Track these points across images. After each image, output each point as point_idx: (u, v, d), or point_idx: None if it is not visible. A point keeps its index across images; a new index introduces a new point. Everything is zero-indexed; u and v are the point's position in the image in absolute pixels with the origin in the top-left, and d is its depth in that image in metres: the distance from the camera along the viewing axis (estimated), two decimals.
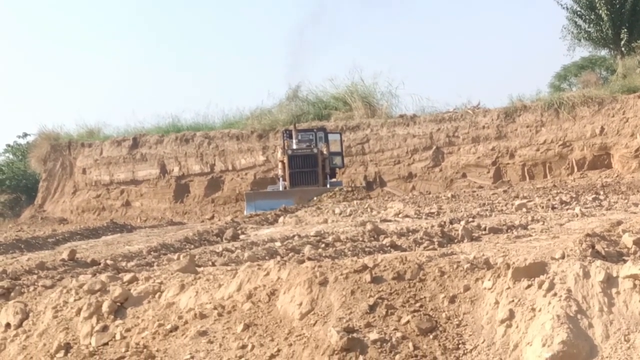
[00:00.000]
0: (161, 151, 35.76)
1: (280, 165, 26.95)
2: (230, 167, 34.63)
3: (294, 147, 26.38)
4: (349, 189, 24.55)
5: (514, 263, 5.91)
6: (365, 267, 6.24)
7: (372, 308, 5.84)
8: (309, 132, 28.23)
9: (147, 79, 70.35)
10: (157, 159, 35.68)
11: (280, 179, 26.70)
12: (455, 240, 10.47)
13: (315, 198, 23.32)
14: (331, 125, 32.53)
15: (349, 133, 33.12)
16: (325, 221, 15.21)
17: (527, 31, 65.69)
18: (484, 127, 31.95)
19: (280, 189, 26.00)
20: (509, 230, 11.12)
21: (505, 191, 21.67)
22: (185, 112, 46.77)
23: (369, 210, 16.86)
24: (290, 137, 27.12)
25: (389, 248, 10.03)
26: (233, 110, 38.60)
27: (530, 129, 31.17)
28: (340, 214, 16.30)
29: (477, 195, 20.74)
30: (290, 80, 43.98)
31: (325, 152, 26.74)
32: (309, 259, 8.76)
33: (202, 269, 7.88)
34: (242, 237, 13.35)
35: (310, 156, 26.00)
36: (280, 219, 16.68)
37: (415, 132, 32.68)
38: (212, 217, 26.57)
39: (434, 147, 32.28)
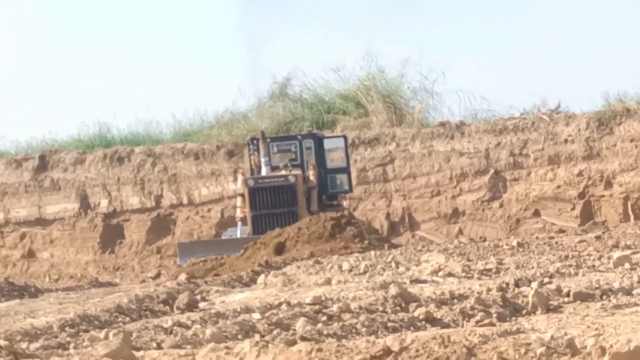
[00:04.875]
0: (82, 176, 35.83)
1: (239, 200, 26.61)
2: (185, 200, 34.66)
3: (262, 169, 25.96)
4: (350, 227, 23.08)
5: (612, 346, 5.91)
6: (387, 352, 6.24)
7: None
8: (289, 140, 27.95)
9: (60, 70, 70.41)
10: (76, 188, 35.74)
11: (239, 222, 26.27)
12: (524, 312, 10.45)
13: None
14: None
15: (363, 149, 33.21)
16: (328, 281, 15.18)
17: (630, 2, 65.74)
18: (566, 140, 32.02)
19: (238, 236, 25.61)
20: (604, 297, 11.10)
21: (598, 237, 21.64)
22: (118, 117, 46.81)
23: (393, 265, 16.84)
24: (259, 150, 26.52)
25: (423, 323, 10.01)
26: (189, 115, 38.45)
27: (637, 144, 31.23)
28: (350, 270, 16.28)
29: (557, 243, 20.72)
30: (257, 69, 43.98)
31: (312, 178, 26.20)
32: (304, 338, 8.73)
33: (142, 353, 7.87)
34: (202, 305, 13.33)
35: (283, 188, 25.51)
36: (260, 279, 16.66)
37: (464, 149, 32.75)
38: (158, 276, 26.57)
39: (492, 171, 32.34)
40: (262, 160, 26.04)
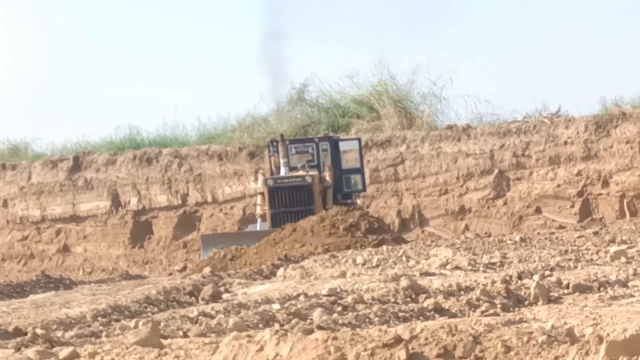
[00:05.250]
0: (113, 176, 35.88)
1: (259, 198, 26.56)
2: (209, 198, 34.69)
3: (280, 170, 25.96)
4: (361, 220, 22.90)
5: (608, 335, 5.88)
6: (398, 340, 6.23)
7: None
8: (307, 143, 27.80)
9: (93, 77, 70.54)
10: (108, 187, 35.80)
11: (259, 218, 26.28)
12: (526, 303, 10.43)
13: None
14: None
15: (376, 150, 33.18)
16: (343, 274, 15.18)
17: (627, 11, 65.49)
18: (566, 142, 31.94)
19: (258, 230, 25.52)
20: (601, 289, 11.08)
21: (596, 233, 21.60)
22: (148, 121, 46.99)
23: (404, 259, 16.83)
24: (278, 151, 26.37)
25: (432, 313, 10.00)
26: (213, 118, 38.51)
27: (632, 145, 31.13)
28: (363, 264, 16.28)
29: (557, 238, 20.69)
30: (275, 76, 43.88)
31: (328, 178, 26.13)
32: (320, 327, 8.73)
33: (169, 341, 7.88)
34: (225, 296, 13.34)
35: (300, 188, 25.39)
36: (280, 272, 16.67)
37: (470, 150, 32.69)
38: (184, 269, 26.58)
39: (496, 171, 32.27)
40: (281, 161, 26.01)
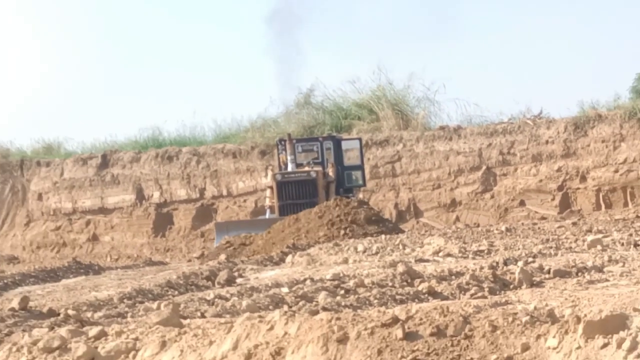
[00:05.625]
0: (137, 172, 35.90)
1: (268, 191, 26.51)
2: (224, 192, 34.69)
3: (288, 166, 25.95)
4: (359, 209, 22.73)
5: (585, 316, 5.88)
6: (395, 320, 6.23)
7: None
8: (312, 142, 27.75)
9: (120, 83, 70.68)
10: (133, 182, 35.81)
11: (268, 209, 26.23)
12: (511, 286, 10.43)
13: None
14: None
15: (375, 149, 33.14)
16: (345, 261, 15.19)
17: (602, 23, 65.43)
18: (547, 141, 31.90)
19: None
20: (579, 274, 11.07)
21: (574, 223, 21.58)
22: (169, 122, 47.07)
23: (400, 247, 16.83)
24: (286, 149, 26.37)
25: (426, 296, 10.00)
26: (228, 120, 38.59)
27: (607, 144, 31.09)
28: (364, 251, 16.28)
29: (539, 228, 20.66)
30: (286, 81, 43.88)
31: (331, 173, 26.11)
32: (325, 309, 8.74)
33: (188, 321, 7.88)
34: (239, 280, 13.35)
35: (306, 182, 25.36)
36: (288, 258, 16.68)
37: (460, 148, 32.66)
38: (202, 256, 26.58)
39: (484, 168, 32.23)
40: (289, 158, 26.05)
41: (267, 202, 26.38)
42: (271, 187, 26.00)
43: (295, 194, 25.23)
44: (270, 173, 26.67)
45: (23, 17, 76.73)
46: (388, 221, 25.09)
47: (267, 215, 25.93)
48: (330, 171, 26.16)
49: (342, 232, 21.40)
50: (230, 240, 22.54)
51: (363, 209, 22.96)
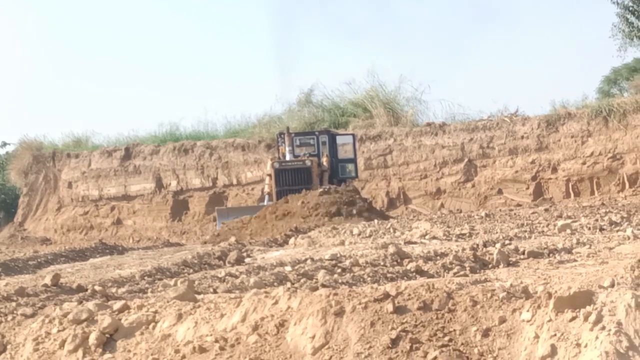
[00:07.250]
0: (157, 163, 35.89)
1: (267, 179, 26.35)
2: (234, 181, 34.70)
3: (286, 156, 25.78)
4: (345, 193, 22.60)
5: (556, 292, 5.89)
6: (387, 296, 6.23)
7: (394, 342, 5.83)
8: (309, 135, 27.56)
9: (141, 83, 70.87)
10: (152, 172, 35.81)
11: (267, 196, 26.00)
12: (490, 266, 10.43)
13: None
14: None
15: (369, 143, 33.14)
16: (342, 243, 15.20)
17: (571, 29, 65.59)
18: (522, 137, 31.89)
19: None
20: (550, 255, 11.07)
21: (546, 210, 21.60)
22: (185, 119, 47.22)
23: (391, 230, 16.84)
24: (285, 142, 26.20)
25: (414, 274, 10.00)
26: (237, 117, 38.81)
27: (576, 139, 31.09)
28: (359, 234, 16.29)
29: (515, 214, 20.68)
30: (287, 81, 43.91)
31: (325, 163, 25.92)
32: (323, 285, 8.74)
33: (202, 296, 7.88)
34: (247, 260, 13.36)
35: (301, 170, 25.17)
36: (291, 240, 16.70)
37: (445, 143, 32.66)
38: (213, 237, 26.54)
39: (466, 160, 32.23)
40: (287, 149, 25.96)
41: (266, 189, 26.30)
42: (270, 175, 25.94)
43: (291, 181, 25.09)
44: (269, 162, 26.61)
45: (53, 20, 76.79)
46: (370, 205, 24.33)
47: (266, 201, 25.78)
48: (325, 161, 26.14)
49: (326, 217, 21.22)
50: (228, 223, 22.60)
51: (349, 195, 22.77)
